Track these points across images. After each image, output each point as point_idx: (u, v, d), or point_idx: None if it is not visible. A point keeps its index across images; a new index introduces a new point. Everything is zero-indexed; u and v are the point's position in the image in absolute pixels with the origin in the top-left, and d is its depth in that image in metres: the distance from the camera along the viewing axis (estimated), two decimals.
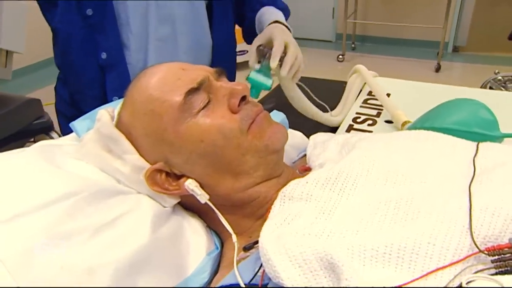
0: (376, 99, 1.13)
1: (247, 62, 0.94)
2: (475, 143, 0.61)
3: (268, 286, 0.47)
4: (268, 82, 0.86)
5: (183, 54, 1.01)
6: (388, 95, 1.12)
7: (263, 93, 0.94)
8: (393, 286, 0.40)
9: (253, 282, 0.48)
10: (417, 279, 0.41)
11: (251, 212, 0.60)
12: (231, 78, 1.12)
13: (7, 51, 1.71)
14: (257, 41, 0.92)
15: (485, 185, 0.50)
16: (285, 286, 0.43)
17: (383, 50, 4.46)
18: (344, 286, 0.41)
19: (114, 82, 0.95)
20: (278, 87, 1.05)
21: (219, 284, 0.51)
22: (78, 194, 0.52)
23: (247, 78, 0.86)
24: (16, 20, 1.68)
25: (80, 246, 0.48)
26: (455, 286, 0.40)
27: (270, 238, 0.48)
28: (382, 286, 0.41)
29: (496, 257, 0.41)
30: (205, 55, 1.05)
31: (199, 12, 1.00)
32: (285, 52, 0.88)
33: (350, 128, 1.03)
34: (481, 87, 2.12)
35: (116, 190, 0.58)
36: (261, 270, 0.47)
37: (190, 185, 0.57)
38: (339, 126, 1.05)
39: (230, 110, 0.58)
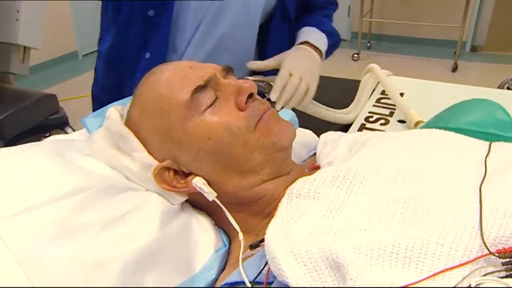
0: (389, 98, 1.11)
1: None
2: (488, 143, 0.60)
3: (273, 284, 0.47)
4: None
5: None
6: (402, 94, 1.11)
7: None
8: (400, 286, 0.40)
9: (258, 279, 0.48)
10: (424, 279, 0.40)
11: (259, 210, 0.60)
12: None
13: (24, 47, 1.74)
14: (269, 63, 0.94)
15: (496, 185, 0.49)
16: (289, 284, 0.43)
17: (399, 49, 4.41)
18: (349, 286, 0.40)
19: None
20: None
21: (224, 282, 0.51)
22: (88, 189, 0.53)
23: None
24: (34, 16, 1.71)
25: (89, 240, 0.49)
26: (463, 287, 0.39)
27: (276, 235, 0.47)
28: (389, 286, 0.40)
29: (507, 259, 0.40)
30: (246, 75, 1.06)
31: (251, 32, 1.00)
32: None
33: (362, 127, 1.02)
34: (498, 88, 2.08)
35: (125, 186, 0.58)
36: (266, 268, 0.47)
37: (198, 182, 0.57)
38: (350, 125, 1.04)
39: (237, 108, 0.58)
